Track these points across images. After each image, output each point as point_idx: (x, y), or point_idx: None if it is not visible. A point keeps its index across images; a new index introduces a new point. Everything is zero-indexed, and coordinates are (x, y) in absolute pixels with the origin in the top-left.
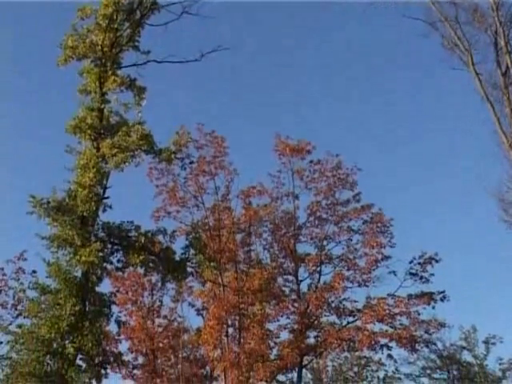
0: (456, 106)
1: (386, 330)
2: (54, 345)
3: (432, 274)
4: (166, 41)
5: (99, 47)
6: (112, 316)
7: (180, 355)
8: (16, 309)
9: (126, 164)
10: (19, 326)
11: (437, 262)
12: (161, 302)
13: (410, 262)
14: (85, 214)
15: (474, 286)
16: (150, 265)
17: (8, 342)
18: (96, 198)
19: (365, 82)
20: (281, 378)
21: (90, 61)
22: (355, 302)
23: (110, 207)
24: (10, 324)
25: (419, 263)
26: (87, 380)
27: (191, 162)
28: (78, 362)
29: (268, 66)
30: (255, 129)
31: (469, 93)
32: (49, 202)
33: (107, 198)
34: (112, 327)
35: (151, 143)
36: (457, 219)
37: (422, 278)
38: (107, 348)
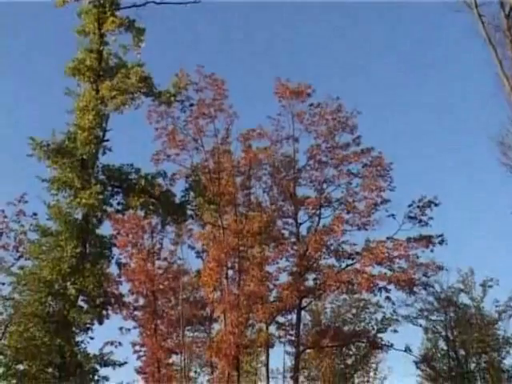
0: (458, 49)
1: (385, 273)
2: (56, 286)
3: (431, 218)
4: None
5: None
6: (113, 258)
7: (180, 297)
8: (17, 251)
9: (126, 106)
10: (21, 268)
11: (436, 205)
12: (161, 244)
13: (409, 206)
14: (85, 156)
15: (472, 230)
16: (150, 207)
17: (10, 283)
18: (96, 140)
19: (365, 26)
20: (280, 319)
21: (88, 1)
22: (354, 244)
23: (110, 150)
24: (12, 265)
25: (418, 207)
26: (89, 321)
27: (191, 105)
28: (80, 303)
29: (269, 10)
30: (255, 72)
31: (471, 36)
32: (48, 145)
33: (107, 140)
34: (113, 269)
35: (151, 85)
36: (457, 163)
37: (420, 221)
38: (108, 289)
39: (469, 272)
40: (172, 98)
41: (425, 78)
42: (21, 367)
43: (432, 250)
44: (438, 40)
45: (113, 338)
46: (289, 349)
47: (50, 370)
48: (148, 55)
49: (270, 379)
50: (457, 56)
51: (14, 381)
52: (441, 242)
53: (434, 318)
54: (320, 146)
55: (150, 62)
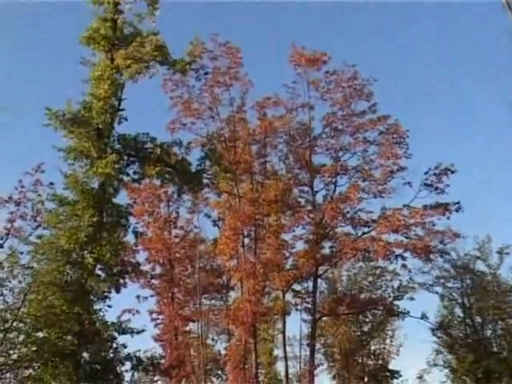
0: (477, 15)
1: (401, 241)
2: (74, 255)
3: (447, 185)
4: None
5: None
6: (129, 227)
7: (197, 265)
8: (35, 220)
9: (141, 75)
10: (39, 237)
11: (452, 172)
12: (177, 213)
13: (426, 173)
14: (100, 125)
15: (489, 197)
16: (166, 176)
17: (29, 252)
18: (111, 109)
19: None
20: (296, 287)
21: None
22: (370, 212)
23: (126, 119)
24: (30, 235)
25: (435, 174)
26: (106, 289)
27: (206, 73)
28: (97, 271)
29: None
30: (270, 40)
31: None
32: (64, 115)
33: (122, 109)
34: (129, 238)
35: (165, 54)
36: (474, 130)
37: (437, 188)
38: (125, 258)
39: (486, 239)
40: (187, 67)
41: (442, 45)
42: (40, 335)
43: (448, 218)
44: (457, 6)
45: (130, 307)
46: (305, 316)
47: (68, 337)
48: (162, 24)
49: (287, 346)
50: (475, 22)
51: (34, 348)
52: (457, 210)
53: (450, 285)
54: (336, 113)
55: (164, 30)
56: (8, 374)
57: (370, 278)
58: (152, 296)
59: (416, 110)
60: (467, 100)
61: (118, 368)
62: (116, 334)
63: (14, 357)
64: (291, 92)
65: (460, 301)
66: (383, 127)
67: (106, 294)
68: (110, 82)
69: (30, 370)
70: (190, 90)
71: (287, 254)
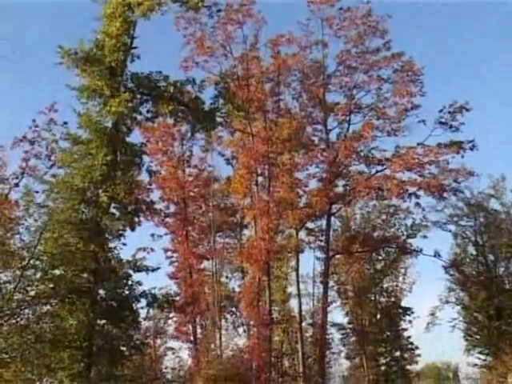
0: None
1: (415, 179)
2: (88, 193)
3: (462, 123)
4: None
5: None
6: (143, 166)
7: (211, 203)
8: (50, 159)
9: (153, 12)
10: (53, 176)
11: (467, 110)
12: (191, 151)
13: (440, 111)
14: (113, 64)
15: (504, 135)
16: (180, 115)
17: (44, 191)
18: (123, 47)
19: None
20: (310, 225)
21: None
22: (384, 151)
23: (138, 57)
24: (45, 174)
25: (449, 112)
26: (121, 227)
27: (219, 10)
28: (112, 210)
29: None
30: None
31: None
32: (76, 53)
33: (135, 47)
34: (143, 176)
35: None
36: (489, 68)
37: (451, 126)
38: (139, 197)
39: (500, 178)
40: (199, 4)
41: None
42: (57, 272)
43: (463, 156)
44: None
45: (145, 245)
46: (318, 254)
47: (84, 275)
48: None
49: (300, 284)
50: None
51: (51, 285)
52: (472, 148)
53: (463, 223)
54: (350, 51)
55: None
56: (26, 310)
57: (384, 216)
58: (166, 234)
59: (432, 47)
60: (484, 36)
61: (133, 305)
62: (131, 272)
63: (32, 293)
64: (305, 29)
65: (473, 239)
66: (397, 65)
67: (120, 232)
68: (121, 20)
69: (48, 307)
70: (202, 28)
71: (301, 193)
